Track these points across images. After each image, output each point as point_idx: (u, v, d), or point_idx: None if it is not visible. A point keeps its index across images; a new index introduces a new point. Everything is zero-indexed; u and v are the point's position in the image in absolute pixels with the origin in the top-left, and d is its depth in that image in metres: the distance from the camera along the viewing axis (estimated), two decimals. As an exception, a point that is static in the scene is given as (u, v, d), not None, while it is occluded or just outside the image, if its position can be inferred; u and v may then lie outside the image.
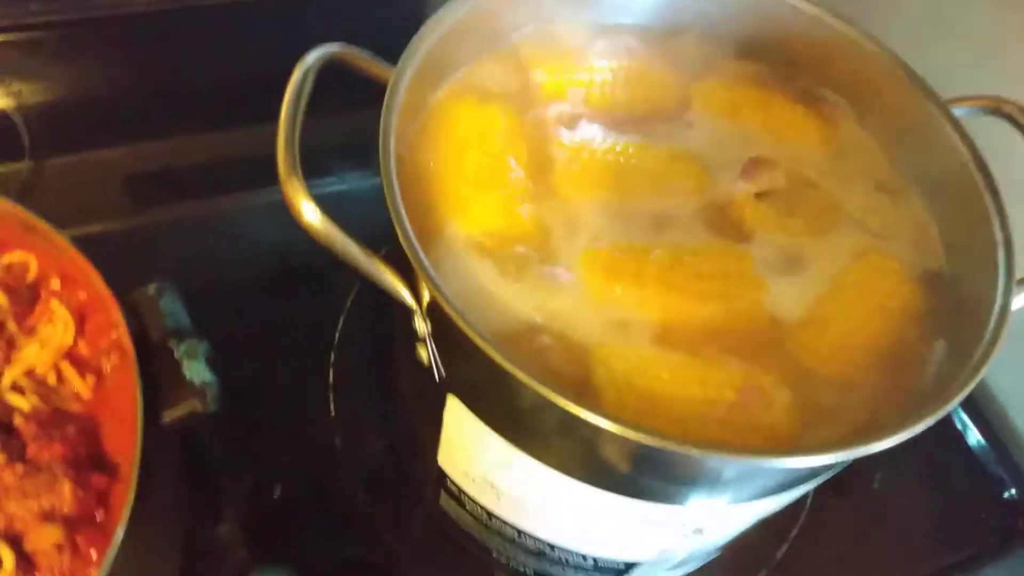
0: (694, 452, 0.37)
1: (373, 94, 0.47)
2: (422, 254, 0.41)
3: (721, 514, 0.47)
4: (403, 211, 0.42)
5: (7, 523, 0.43)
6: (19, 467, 0.45)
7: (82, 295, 0.54)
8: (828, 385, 0.47)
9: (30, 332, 0.52)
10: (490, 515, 0.55)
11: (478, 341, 0.39)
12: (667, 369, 0.45)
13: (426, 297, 0.43)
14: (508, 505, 0.52)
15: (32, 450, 0.46)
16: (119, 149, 0.82)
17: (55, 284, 0.54)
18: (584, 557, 0.55)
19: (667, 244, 0.49)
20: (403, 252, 0.42)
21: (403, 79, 0.46)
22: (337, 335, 0.73)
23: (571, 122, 0.55)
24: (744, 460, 0.39)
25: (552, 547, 0.55)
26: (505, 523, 0.55)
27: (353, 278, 0.76)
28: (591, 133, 0.54)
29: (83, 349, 0.52)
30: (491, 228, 0.48)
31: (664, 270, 0.48)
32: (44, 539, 0.44)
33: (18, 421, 0.46)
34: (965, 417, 0.78)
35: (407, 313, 0.45)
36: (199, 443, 0.62)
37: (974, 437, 0.77)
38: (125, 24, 0.86)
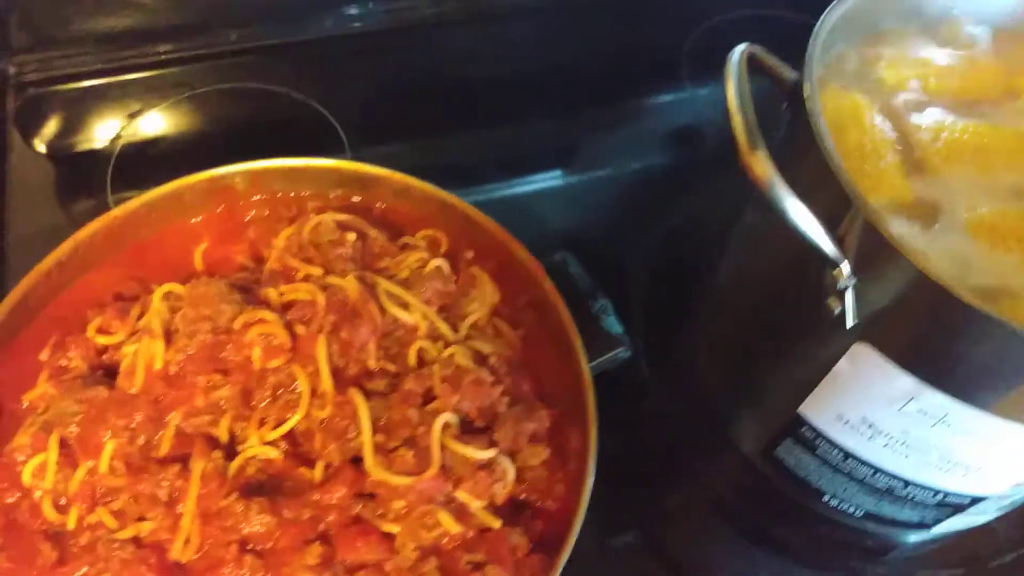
0: None
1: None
2: (868, 202, 0.48)
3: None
4: (843, 166, 0.49)
5: (506, 444, 0.52)
6: (507, 398, 0.53)
7: (491, 264, 0.63)
8: None
9: (460, 295, 0.61)
10: (849, 456, 0.62)
11: (939, 279, 0.46)
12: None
13: (857, 245, 0.50)
14: (879, 444, 0.59)
15: (509, 384, 0.54)
16: (413, 143, 0.92)
17: (468, 254, 0.63)
18: (935, 493, 0.61)
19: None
20: (831, 212, 0.49)
21: (813, 74, 0.54)
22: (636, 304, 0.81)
23: (918, 107, 0.62)
24: None
25: (906, 484, 0.61)
26: (863, 463, 0.61)
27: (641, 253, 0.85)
28: (939, 116, 0.61)
29: (503, 308, 0.61)
30: (881, 198, 0.55)
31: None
32: (534, 457, 0.52)
33: (493, 360, 0.55)
34: None
35: (818, 267, 0.52)
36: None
37: None
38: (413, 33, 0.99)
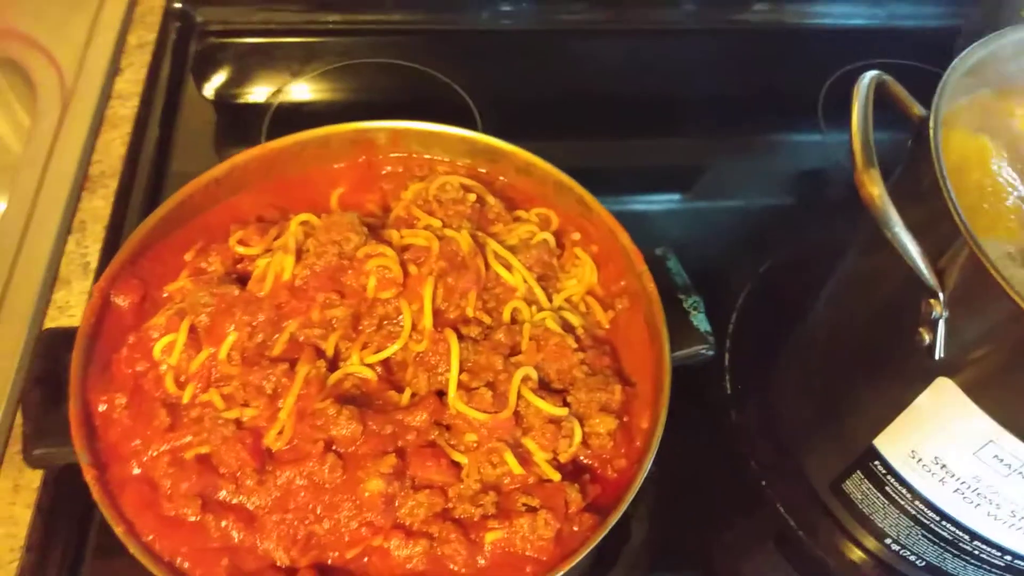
0: None
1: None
2: (974, 232, 0.49)
3: None
4: (959, 207, 0.50)
5: (577, 407, 0.55)
6: (585, 367, 0.56)
7: (594, 248, 0.66)
8: None
9: (560, 270, 0.65)
10: (917, 498, 0.61)
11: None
12: None
13: (958, 277, 0.51)
14: (950, 489, 0.59)
15: (590, 357, 0.57)
16: (542, 142, 0.96)
17: (575, 236, 0.67)
18: (1002, 552, 0.60)
19: None
20: (937, 244, 0.50)
21: (940, 116, 0.55)
22: (731, 326, 0.82)
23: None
24: None
25: (973, 537, 0.60)
26: (930, 506, 0.61)
27: (744, 280, 0.86)
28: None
29: (598, 291, 0.64)
30: (993, 238, 0.56)
31: None
32: (602, 425, 0.55)
33: (579, 332, 0.58)
34: None
35: (910, 296, 0.53)
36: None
37: None
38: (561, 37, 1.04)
